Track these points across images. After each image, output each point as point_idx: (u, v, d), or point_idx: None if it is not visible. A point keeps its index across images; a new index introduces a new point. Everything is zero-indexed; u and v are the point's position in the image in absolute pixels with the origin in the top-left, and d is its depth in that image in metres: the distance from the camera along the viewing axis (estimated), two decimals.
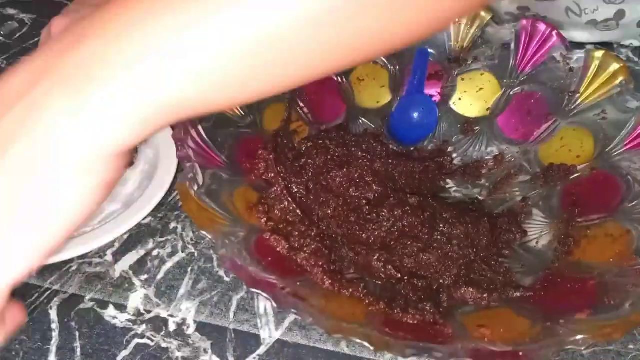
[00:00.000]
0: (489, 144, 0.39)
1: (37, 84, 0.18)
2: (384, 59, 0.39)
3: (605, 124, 0.34)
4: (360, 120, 0.40)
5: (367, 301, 0.29)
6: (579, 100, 0.35)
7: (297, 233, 0.31)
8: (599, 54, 0.34)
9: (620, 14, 0.43)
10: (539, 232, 0.34)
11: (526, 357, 0.24)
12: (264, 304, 0.32)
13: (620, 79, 0.33)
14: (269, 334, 0.31)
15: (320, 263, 0.30)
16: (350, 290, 0.29)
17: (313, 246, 0.31)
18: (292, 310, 0.24)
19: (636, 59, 0.47)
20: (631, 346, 0.30)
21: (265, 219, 0.32)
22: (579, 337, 0.24)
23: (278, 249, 0.30)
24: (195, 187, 0.28)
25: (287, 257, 0.30)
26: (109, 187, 0.20)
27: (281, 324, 0.32)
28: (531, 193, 0.36)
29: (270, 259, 0.29)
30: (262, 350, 0.31)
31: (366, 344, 0.24)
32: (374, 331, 0.25)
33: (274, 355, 0.30)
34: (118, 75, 0.18)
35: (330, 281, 0.29)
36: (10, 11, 0.54)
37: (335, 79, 0.39)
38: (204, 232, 0.26)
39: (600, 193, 0.33)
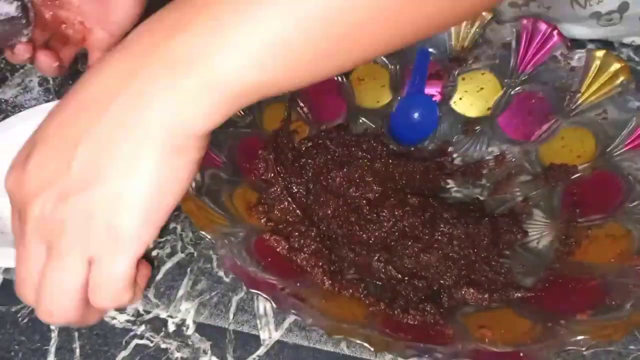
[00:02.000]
0: (489, 144, 0.38)
1: (136, 75, 0.20)
2: (384, 59, 0.39)
3: (606, 123, 0.34)
4: (361, 120, 0.40)
5: (367, 302, 0.29)
6: (580, 100, 0.35)
7: (297, 233, 0.31)
8: (600, 53, 0.34)
9: (624, 7, 0.42)
10: (539, 233, 0.34)
11: (527, 358, 0.24)
12: (264, 304, 0.32)
13: (622, 78, 0.33)
14: (269, 334, 0.31)
15: (320, 263, 0.30)
16: (351, 290, 0.29)
17: (313, 246, 0.31)
18: (292, 311, 0.24)
19: (637, 59, 0.47)
20: (632, 347, 0.30)
21: (265, 219, 0.32)
22: (579, 337, 0.24)
23: (278, 250, 0.30)
24: (195, 187, 0.28)
25: (287, 258, 0.30)
26: (198, 164, 0.22)
27: (281, 324, 0.31)
28: (532, 193, 0.36)
29: (270, 259, 0.29)
30: (261, 351, 0.31)
31: (366, 344, 0.24)
32: (374, 332, 0.25)
33: (273, 356, 0.30)
34: (211, 63, 0.19)
35: (330, 282, 0.29)
36: None
37: (335, 78, 0.39)
38: (203, 233, 0.26)
39: (601, 193, 0.33)
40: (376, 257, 0.31)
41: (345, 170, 0.35)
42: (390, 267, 0.31)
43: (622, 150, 0.33)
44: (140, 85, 0.20)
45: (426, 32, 0.22)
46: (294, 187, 0.34)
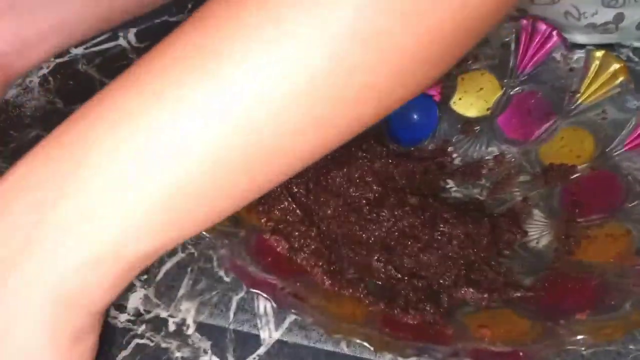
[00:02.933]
0: (489, 144, 0.38)
1: (19, 264, 0.16)
2: None
3: (605, 123, 0.34)
4: None
5: (367, 301, 0.29)
6: (580, 100, 0.35)
7: (297, 233, 0.31)
8: (599, 53, 0.34)
9: (619, 17, 0.42)
10: (539, 232, 0.34)
11: (527, 358, 0.23)
12: (264, 304, 0.32)
13: (621, 78, 0.33)
14: (269, 334, 0.31)
15: (320, 263, 0.30)
16: (351, 290, 0.29)
17: (313, 246, 0.31)
18: (293, 311, 0.24)
19: (636, 59, 0.47)
20: (631, 346, 0.30)
21: (265, 219, 0.31)
22: (579, 337, 0.24)
23: (278, 249, 0.30)
24: None
25: (287, 257, 0.30)
26: (96, 346, 0.19)
27: (281, 324, 0.31)
28: (531, 193, 0.36)
29: (270, 259, 0.29)
30: (262, 350, 0.30)
31: (366, 344, 0.24)
32: (374, 331, 0.25)
33: (274, 356, 0.30)
34: (99, 238, 0.16)
35: (330, 281, 0.29)
36: None
37: None
38: (203, 232, 0.26)
39: (601, 193, 0.33)
40: (376, 257, 0.31)
41: (345, 170, 0.35)
42: (390, 267, 0.31)
43: (621, 151, 0.33)
44: (14, 281, 0.16)
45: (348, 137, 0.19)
46: (294, 187, 0.34)
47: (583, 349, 0.24)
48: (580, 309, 0.26)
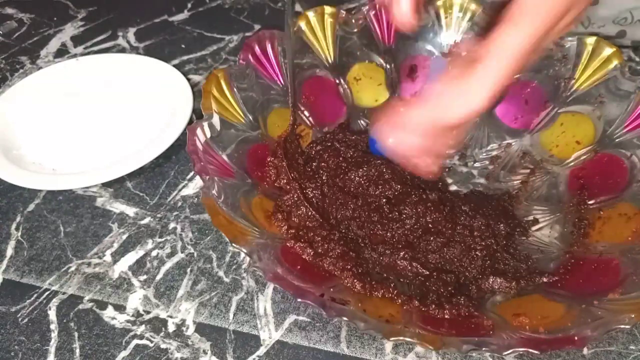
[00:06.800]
0: (490, 135, 0.38)
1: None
2: (379, 58, 0.39)
3: (603, 107, 0.34)
4: (362, 121, 0.40)
5: (399, 300, 0.28)
6: (575, 86, 0.35)
7: (319, 238, 0.31)
8: (591, 40, 0.34)
9: (621, 34, 0.44)
10: (550, 218, 0.34)
11: (581, 340, 0.23)
12: (264, 304, 0.32)
13: (615, 62, 0.34)
14: (269, 334, 0.31)
15: (349, 266, 0.29)
16: (382, 291, 0.29)
17: (338, 250, 0.30)
18: (344, 318, 0.24)
19: (637, 59, 0.47)
20: (632, 347, 0.30)
21: (285, 226, 0.31)
22: (624, 316, 0.23)
23: (304, 256, 0.30)
24: (222, 201, 0.27)
25: (314, 265, 0.30)
26: None
27: (281, 324, 0.31)
28: (537, 181, 0.36)
29: (299, 267, 0.29)
30: (261, 351, 0.30)
31: (426, 344, 0.23)
32: (425, 331, 0.25)
33: (273, 356, 0.30)
34: None
35: (361, 284, 0.29)
36: (9, 10, 0.54)
37: (332, 80, 0.39)
38: (236, 246, 0.26)
39: (607, 175, 0.33)
40: (400, 255, 0.31)
41: (365, 168, 0.34)
42: (416, 264, 0.31)
43: (622, 132, 0.33)
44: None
45: None
46: (309, 192, 0.34)
47: (629, 327, 0.23)
48: (610, 289, 0.26)
